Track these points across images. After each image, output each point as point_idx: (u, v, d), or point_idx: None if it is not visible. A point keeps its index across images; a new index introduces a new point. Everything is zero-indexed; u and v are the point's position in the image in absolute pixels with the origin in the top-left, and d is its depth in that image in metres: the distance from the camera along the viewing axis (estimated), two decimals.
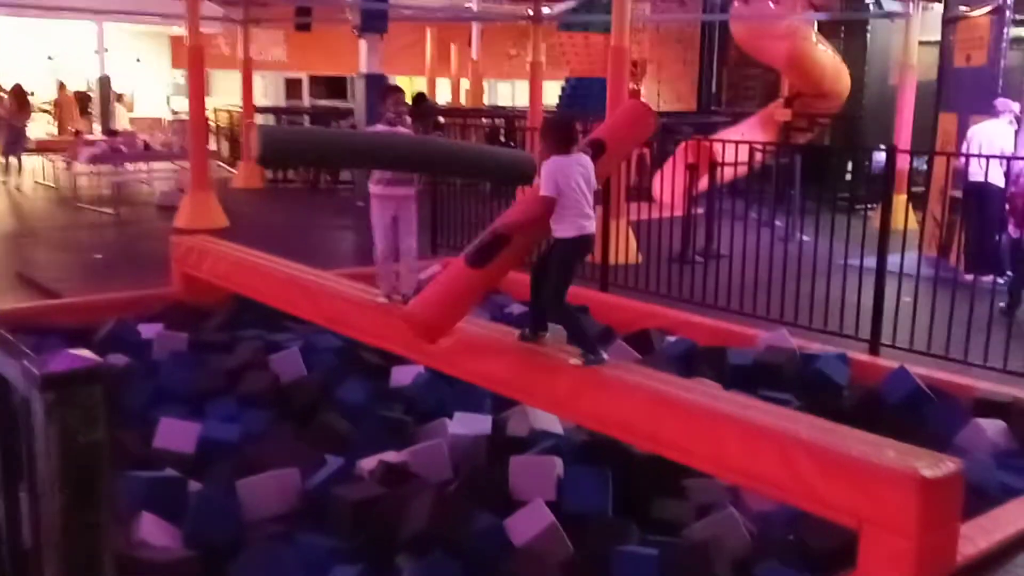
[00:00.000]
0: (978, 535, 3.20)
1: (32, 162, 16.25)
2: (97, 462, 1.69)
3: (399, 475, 3.85)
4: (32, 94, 18.59)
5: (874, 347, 5.86)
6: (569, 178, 3.82)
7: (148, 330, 5.67)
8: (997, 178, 7.29)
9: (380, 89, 5.44)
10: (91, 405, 1.68)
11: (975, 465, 3.76)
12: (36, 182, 15.66)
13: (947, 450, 3.81)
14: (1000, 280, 7.28)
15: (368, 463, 3.99)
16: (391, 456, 4.02)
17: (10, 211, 12.77)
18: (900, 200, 9.52)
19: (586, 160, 3.94)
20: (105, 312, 5.99)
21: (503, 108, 21.40)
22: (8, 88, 18.09)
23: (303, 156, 5.42)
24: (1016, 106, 8.50)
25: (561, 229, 3.88)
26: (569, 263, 3.97)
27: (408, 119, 5.13)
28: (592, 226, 3.91)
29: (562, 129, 3.93)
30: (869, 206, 11.36)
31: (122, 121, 21.14)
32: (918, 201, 10.40)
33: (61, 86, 22.20)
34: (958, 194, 8.45)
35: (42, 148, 16.05)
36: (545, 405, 4.16)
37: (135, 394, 4.74)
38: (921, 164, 10.40)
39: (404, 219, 4.98)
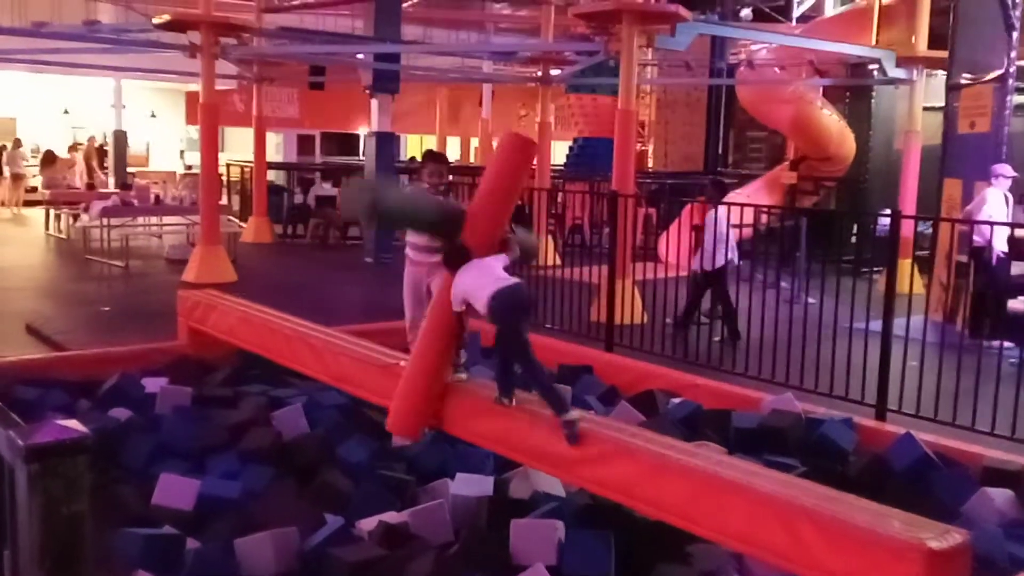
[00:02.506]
0: None
1: (42, 213, 16.43)
2: (79, 533, 1.68)
3: (399, 536, 3.81)
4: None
5: (880, 412, 5.82)
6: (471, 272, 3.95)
7: (152, 384, 5.67)
8: (999, 243, 7.33)
9: (423, 155, 5.03)
10: (75, 477, 1.67)
11: (983, 536, 3.71)
12: (47, 233, 15.82)
13: (954, 519, 3.76)
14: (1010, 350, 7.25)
15: (368, 523, 3.96)
16: (391, 516, 3.98)
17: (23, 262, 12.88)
18: (905, 264, 9.56)
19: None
20: (110, 365, 6.01)
21: None
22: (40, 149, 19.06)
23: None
24: (1009, 170, 8.57)
25: (486, 303, 3.87)
26: (514, 325, 3.91)
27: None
28: (509, 279, 3.96)
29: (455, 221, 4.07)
30: (875, 269, 11.38)
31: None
32: (924, 265, 10.42)
33: (90, 140, 22.79)
34: (964, 259, 8.47)
35: (55, 200, 16.25)
36: (547, 467, 4.13)
37: (136, 448, 4.72)
38: (926, 228, 10.44)
39: (436, 286, 4.62)
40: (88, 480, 1.68)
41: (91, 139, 22.91)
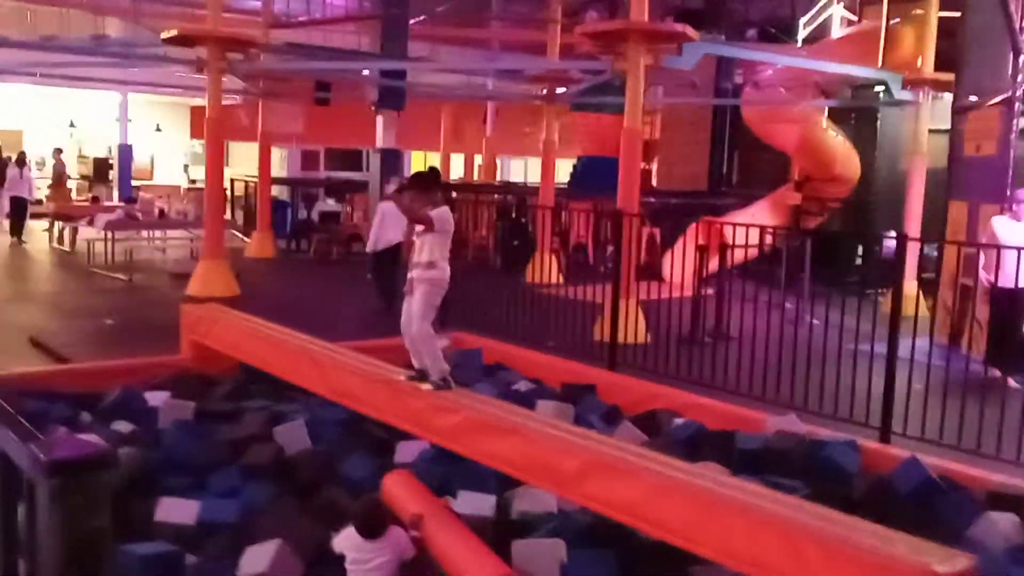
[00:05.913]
0: None
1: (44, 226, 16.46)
2: (100, 548, 1.66)
3: None
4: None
5: (885, 435, 5.79)
6: None
7: (155, 398, 5.65)
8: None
9: (408, 178, 4.96)
10: (96, 492, 1.66)
11: (989, 560, 3.68)
12: (52, 247, 15.85)
13: (959, 544, 3.73)
14: None
15: None
16: None
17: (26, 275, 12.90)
18: (911, 286, 9.52)
19: None
20: (113, 378, 5.99)
21: (515, 184, 21.68)
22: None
23: None
24: None
25: None
26: None
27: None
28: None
29: None
30: (879, 290, 11.34)
31: None
32: (929, 287, 10.42)
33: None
34: (968, 282, 8.43)
35: (59, 214, 16.29)
36: (550, 486, 4.11)
37: (138, 463, 4.69)
38: (932, 251, 10.41)
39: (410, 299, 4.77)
40: (109, 496, 1.67)
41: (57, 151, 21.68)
